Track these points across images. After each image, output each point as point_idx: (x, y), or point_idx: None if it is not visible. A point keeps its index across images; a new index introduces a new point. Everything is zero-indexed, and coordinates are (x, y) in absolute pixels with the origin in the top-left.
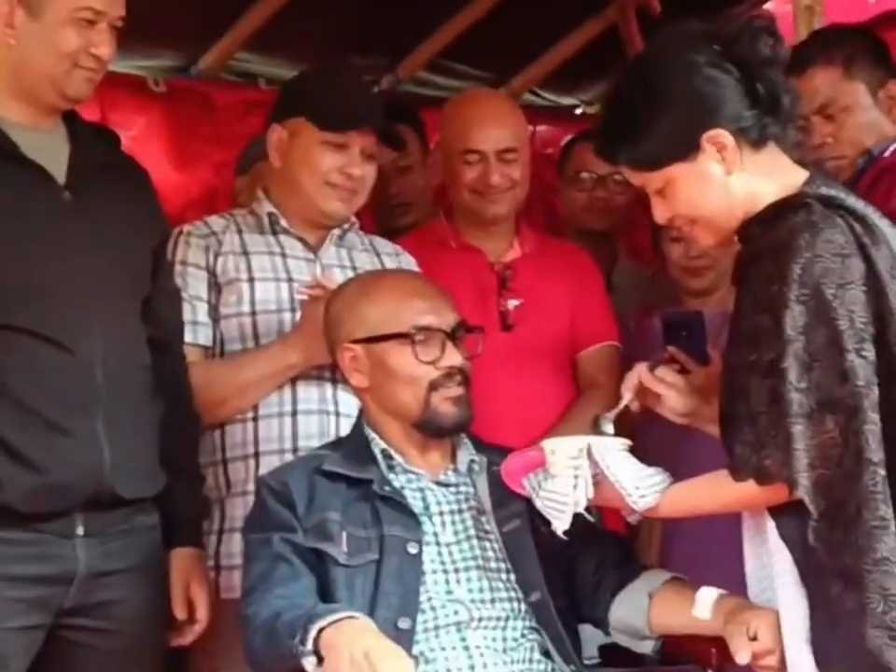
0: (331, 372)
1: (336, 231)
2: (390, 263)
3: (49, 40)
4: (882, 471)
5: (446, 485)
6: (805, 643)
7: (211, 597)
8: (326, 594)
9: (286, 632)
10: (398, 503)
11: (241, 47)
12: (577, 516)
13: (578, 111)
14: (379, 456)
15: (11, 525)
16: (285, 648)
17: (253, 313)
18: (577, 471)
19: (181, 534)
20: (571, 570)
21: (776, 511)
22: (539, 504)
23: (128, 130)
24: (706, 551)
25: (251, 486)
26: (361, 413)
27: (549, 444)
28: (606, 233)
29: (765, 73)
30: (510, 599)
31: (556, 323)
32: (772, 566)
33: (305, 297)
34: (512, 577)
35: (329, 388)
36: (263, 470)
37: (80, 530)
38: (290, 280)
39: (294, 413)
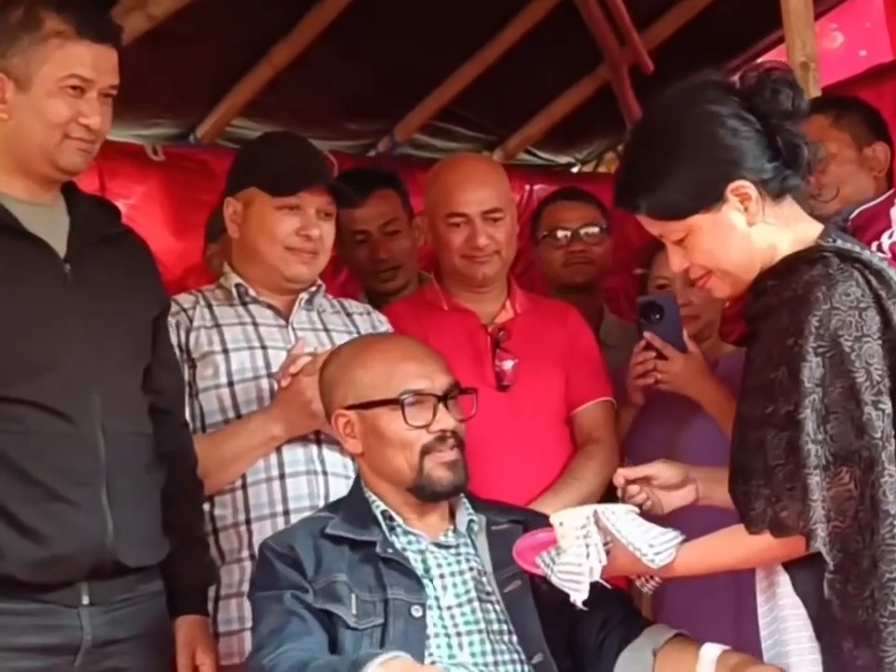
0: (315, 433)
1: (304, 296)
2: (361, 322)
3: (38, 112)
4: None
5: (446, 547)
6: None
7: (217, 664)
8: (334, 654)
9: None
10: (400, 565)
11: (238, 114)
12: (593, 584)
13: (574, 169)
14: (380, 518)
15: (16, 595)
16: None
17: (230, 383)
18: (587, 539)
19: (185, 601)
20: (575, 629)
21: (791, 566)
22: (555, 580)
23: (127, 198)
24: (695, 609)
25: (245, 553)
26: (359, 474)
27: (557, 517)
28: (588, 289)
29: (785, 125)
30: (513, 661)
31: (551, 381)
32: (784, 620)
33: (286, 381)
34: (514, 638)
35: (314, 449)
36: (257, 537)
37: (85, 599)
38: (264, 347)
39: (282, 477)
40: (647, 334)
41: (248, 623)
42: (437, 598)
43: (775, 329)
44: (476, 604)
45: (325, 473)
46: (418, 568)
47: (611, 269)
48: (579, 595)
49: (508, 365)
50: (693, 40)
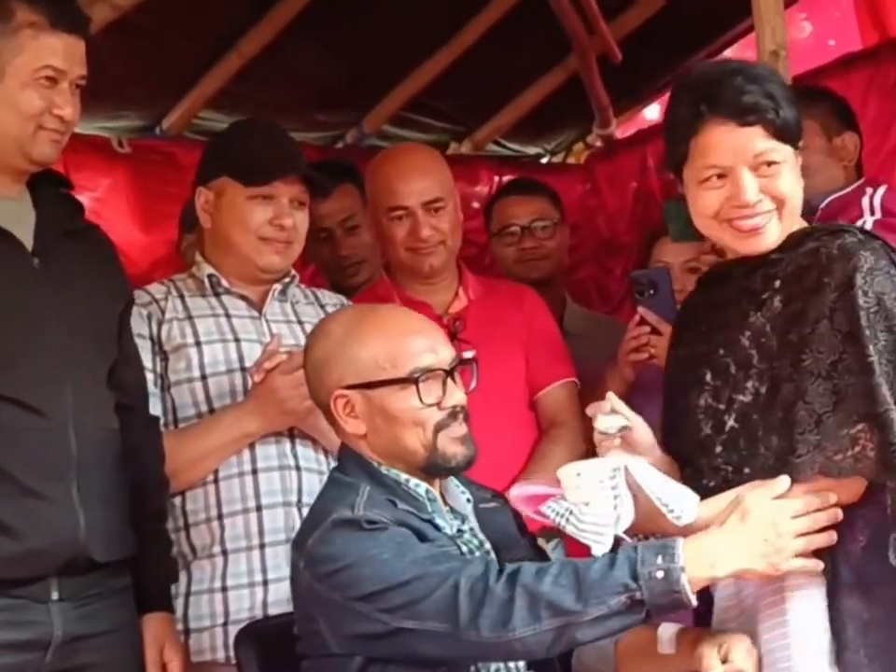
0: (294, 458)
1: (277, 287)
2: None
3: (12, 103)
4: None
5: (461, 532)
6: None
7: (185, 661)
8: None
9: (619, 569)
10: (459, 550)
11: (205, 105)
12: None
13: (543, 160)
14: (424, 497)
15: None
16: (617, 585)
17: (203, 377)
18: (615, 490)
19: (151, 599)
20: None
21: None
22: (570, 530)
23: (93, 191)
24: None
25: (217, 549)
26: (358, 456)
27: (573, 468)
28: (546, 284)
29: None
30: None
31: (512, 366)
32: (788, 648)
33: (259, 377)
34: None
35: (287, 443)
36: (229, 532)
37: (55, 595)
38: (237, 340)
39: (255, 472)
40: (641, 309)
41: (220, 620)
42: None
43: (806, 288)
44: None
45: (298, 468)
46: (465, 554)
47: (581, 261)
48: (601, 548)
49: (466, 356)
50: (661, 30)
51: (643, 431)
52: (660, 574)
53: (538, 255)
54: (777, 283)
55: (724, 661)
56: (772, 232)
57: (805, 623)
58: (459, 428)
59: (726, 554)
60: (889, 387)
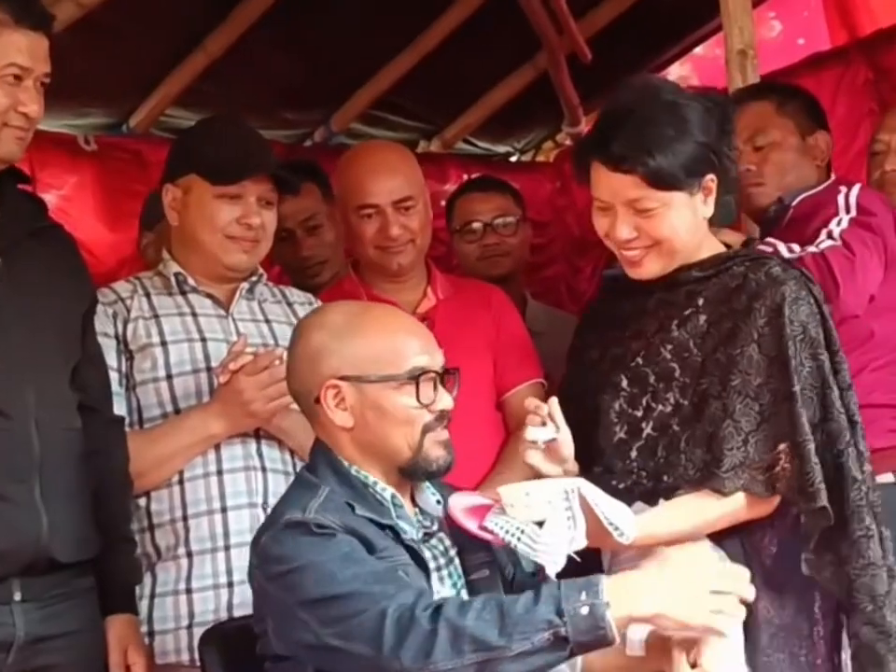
0: (260, 459)
1: (245, 285)
2: (303, 312)
3: None
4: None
5: (430, 535)
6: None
7: (148, 663)
8: None
9: (543, 606)
10: (417, 555)
11: (171, 103)
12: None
13: (512, 158)
14: (388, 502)
15: None
16: (541, 621)
17: (169, 376)
18: (569, 512)
19: (115, 600)
20: None
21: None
22: (523, 549)
23: (59, 189)
24: None
25: (182, 550)
26: (332, 453)
27: (520, 487)
28: (507, 281)
29: (732, 149)
30: None
31: (480, 366)
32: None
33: (225, 378)
34: None
35: (253, 444)
36: (194, 534)
37: (17, 596)
38: (203, 340)
39: (220, 473)
40: None
41: (184, 622)
42: (438, 592)
43: (735, 310)
44: (464, 592)
45: (264, 469)
46: (428, 560)
47: (550, 259)
48: (555, 567)
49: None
50: (631, 29)
51: (567, 444)
52: (584, 610)
53: (499, 251)
54: (701, 301)
55: (694, 665)
56: (652, 265)
57: None
58: (443, 433)
59: (648, 594)
60: (811, 415)
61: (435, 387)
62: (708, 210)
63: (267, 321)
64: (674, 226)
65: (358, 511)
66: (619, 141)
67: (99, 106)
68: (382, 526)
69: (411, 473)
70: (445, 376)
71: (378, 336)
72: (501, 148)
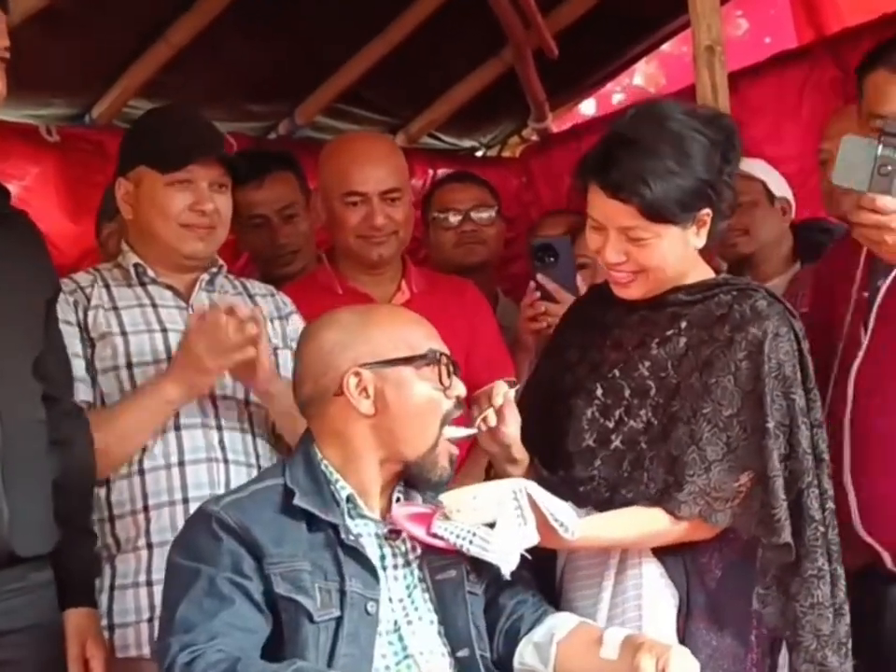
0: (216, 419)
1: (205, 276)
2: (264, 303)
3: None
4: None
5: (398, 532)
6: None
7: (106, 656)
8: (286, 647)
9: None
10: (360, 555)
11: (135, 94)
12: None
13: (478, 154)
14: (342, 501)
15: None
16: None
17: (129, 365)
18: (518, 511)
19: (74, 594)
20: (486, 611)
21: (662, 554)
22: (476, 551)
23: (21, 180)
24: None
25: (142, 542)
26: (310, 446)
27: (467, 492)
28: (480, 270)
29: (733, 177)
30: (441, 654)
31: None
32: (637, 599)
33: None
34: (442, 630)
35: (215, 435)
36: (155, 525)
37: None
38: (164, 331)
39: (182, 464)
40: (539, 276)
41: (145, 615)
42: (389, 589)
43: (716, 339)
44: (420, 592)
45: (225, 461)
46: (375, 558)
47: (517, 255)
48: (509, 567)
49: None
50: (598, 25)
51: (514, 440)
52: None
53: (476, 239)
54: (684, 324)
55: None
56: (637, 288)
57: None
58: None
59: None
60: (779, 452)
61: (449, 374)
62: (700, 241)
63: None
64: (664, 256)
65: (297, 500)
66: (619, 169)
67: (61, 97)
68: (326, 524)
69: (416, 474)
70: (455, 367)
71: (391, 325)
72: (467, 143)
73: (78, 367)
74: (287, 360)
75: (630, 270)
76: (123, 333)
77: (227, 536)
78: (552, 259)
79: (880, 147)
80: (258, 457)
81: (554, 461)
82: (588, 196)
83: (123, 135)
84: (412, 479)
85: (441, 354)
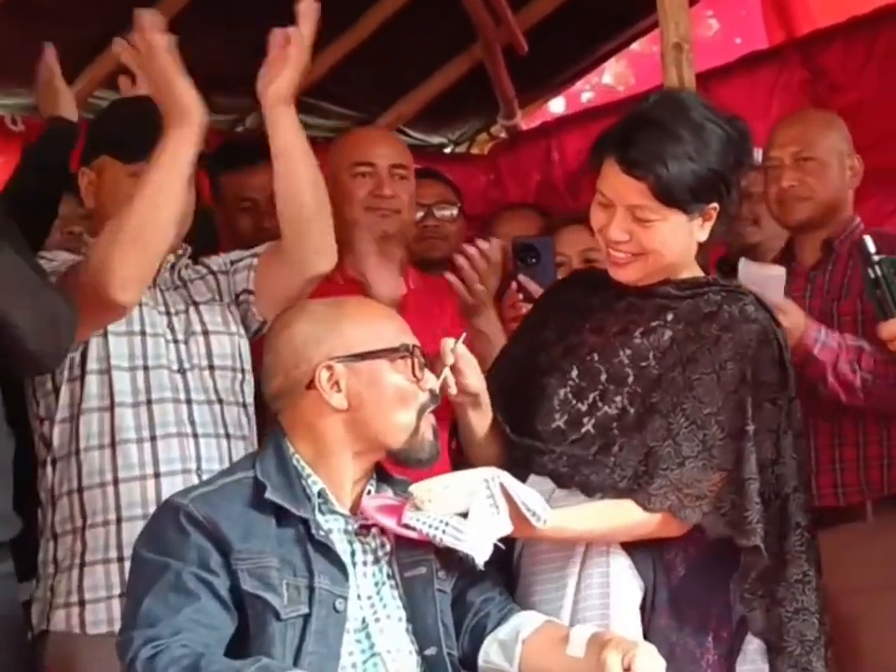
0: (185, 392)
1: (170, 258)
2: (223, 279)
3: None
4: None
5: (368, 528)
6: None
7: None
8: (252, 644)
9: None
10: (329, 550)
11: (100, 85)
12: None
13: (446, 150)
14: (313, 495)
15: None
16: None
17: (105, 333)
18: (491, 500)
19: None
20: (453, 607)
21: (632, 549)
22: (449, 541)
23: None
24: None
25: (112, 515)
26: (279, 439)
27: (438, 481)
28: (442, 266)
29: (741, 182)
30: (409, 652)
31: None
32: (607, 597)
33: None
34: (410, 627)
35: (184, 409)
36: (125, 499)
37: None
38: (140, 301)
39: (153, 439)
40: (520, 276)
41: (116, 591)
42: (357, 586)
43: (703, 336)
44: (388, 589)
45: (195, 436)
46: (345, 553)
47: None
48: (482, 556)
49: None
50: (568, 22)
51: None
52: None
53: (438, 234)
54: (671, 316)
55: (627, 669)
56: (634, 272)
57: (622, 633)
58: (432, 417)
59: None
60: (763, 456)
61: (421, 367)
62: (703, 235)
63: (185, 286)
64: (666, 242)
65: (269, 494)
66: (639, 146)
67: (27, 87)
68: (296, 518)
69: (403, 458)
70: (427, 360)
71: (363, 319)
72: (435, 139)
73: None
74: None
75: (630, 251)
76: None
77: (194, 530)
78: (533, 261)
79: None
80: (225, 426)
81: (519, 433)
82: (602, 171)
83: (87, 125)
84: (399, 463)
85: (414, 347)
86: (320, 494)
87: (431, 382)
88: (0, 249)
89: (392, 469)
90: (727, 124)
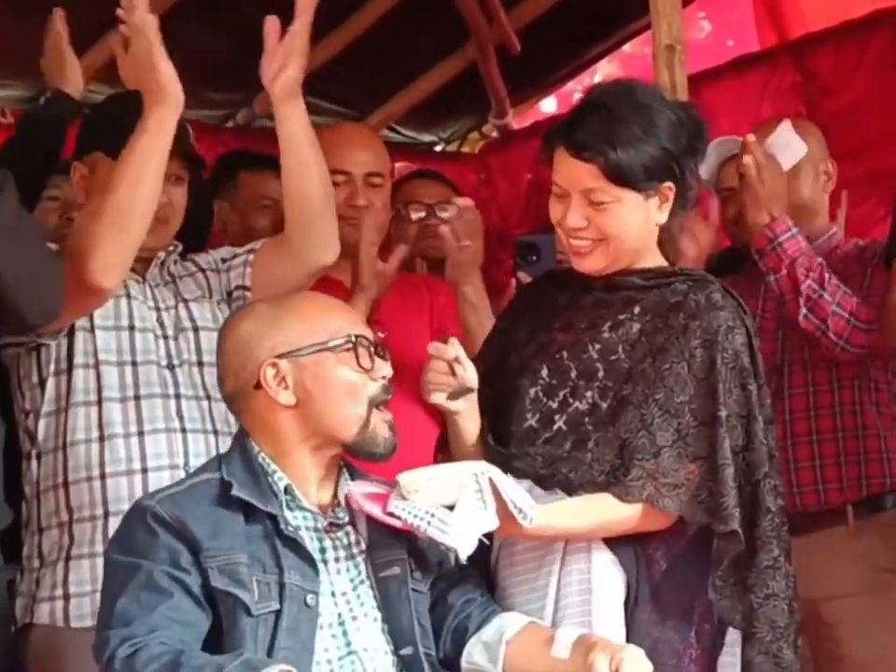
0: (174, 387)
1: (161, 255)
2: (213, 277)
3: None
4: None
5: (339, 526)
6: None
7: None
8: (225, 641)
9: None
10: (299, 546)
11: (92, 79)
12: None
13: (437, 148)
14: (280, 492)
15: None
16: None
17: (93, 328)
18: (479, 495)
19: None
20: (433, 609)
21: (614, 544)
22: (433, 532)
23: None
24: None
25: (99, 510)
26: (243, 440)
27: (423, 473)
28: (440, 266)
29: (698, 167)
30: (384, 652)
31: (422, 354)
32: (591, 593)
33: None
34: (385, 627)
35: (172, 404)
36: (112, 494)
37: None
38: (128, 296)
39: (141, 434)
40: (520, 274)
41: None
42: (331, 583)
43: (671, 326)
44: (365, 587)
45: (183, 431)
46: (314, 550)
47: None
48: (467, 550)
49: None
50: (560, 22)
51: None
52: None
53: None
54: (638, 309)
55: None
56: (596, 260)
57: (606, 628)
58: (387, 413)
59: None
60: (734, 442)
61: (371, 357)
62: (662, 217)
63: (184, 299)
64: (624, 224)
65: (235, 491)
66: (585, 130)
67: (18, 80)
68: (264, 514)
69: (357, 452)
70: (378, 349)
71: (308, 313)
72: (426, 137)
73: None
74: None
75: (590, 237)
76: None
77: (163, 530)
78: (534, 258)
79: None
80: (213, 422)
81: (497, 442)
82: (553, 163)
83: (81, 120)
84: (355, 456)
85: (361, 337)
86: (287, 490)
87: (384, 370)
88: None
89: (357, 465)
90: (678, 108)
